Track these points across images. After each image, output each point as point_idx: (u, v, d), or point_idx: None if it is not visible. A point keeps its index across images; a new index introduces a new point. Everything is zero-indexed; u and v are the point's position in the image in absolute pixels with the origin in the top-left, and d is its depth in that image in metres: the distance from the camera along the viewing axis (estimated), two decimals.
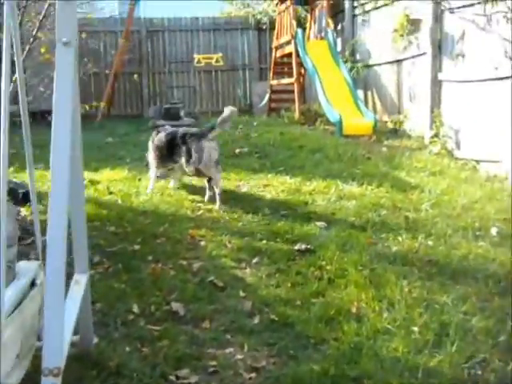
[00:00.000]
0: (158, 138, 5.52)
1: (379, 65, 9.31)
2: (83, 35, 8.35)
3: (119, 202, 5.22)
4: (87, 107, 5.59)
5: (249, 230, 4.56)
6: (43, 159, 6.79)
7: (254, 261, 3.99)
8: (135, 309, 3.28)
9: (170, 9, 12.49)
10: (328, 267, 3.83)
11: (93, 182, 5.70)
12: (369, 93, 9.78)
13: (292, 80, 10.21)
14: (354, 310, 3.32)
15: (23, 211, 4.87)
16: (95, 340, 2.93)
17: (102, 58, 11.93)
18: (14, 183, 5.34)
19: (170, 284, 3.58)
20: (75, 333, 2.57)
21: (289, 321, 3.20)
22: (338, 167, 6.42)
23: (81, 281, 2.49)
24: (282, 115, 10.23)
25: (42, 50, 5.10)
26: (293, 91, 10.62)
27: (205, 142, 5.17)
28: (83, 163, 6.30)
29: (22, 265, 2.37)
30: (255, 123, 9.22)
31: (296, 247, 4.17)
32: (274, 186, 5.71)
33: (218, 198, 5.09)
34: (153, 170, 5.57)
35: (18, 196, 5.08)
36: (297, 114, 9.73)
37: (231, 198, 5.35)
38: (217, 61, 10.79)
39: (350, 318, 3.19)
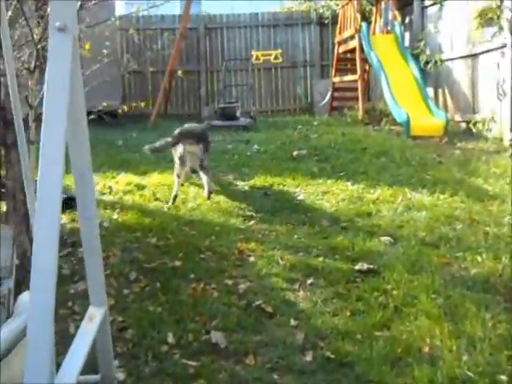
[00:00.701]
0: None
1: (451, 60, 8.57)
2: (131, 31, 8.11)
3: (165, 209, 4.84)
4: (136, 105, 5.18)
5: (304, 245, 4.08)
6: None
7: (309, 282, 3.51)
8: (170, 338, 2.87)
9: (229, 5, 12.16)
10: (394, 292, 3.31)
11: (139, 187, 5.36)
12: (439, 90, 9.04)
13: (356, 77, 9.60)
14: (426, 348, 2.80)
15: (63, 218, 4.56)
16: (121, 376, 2.55)
17: (160, 56, 11.69)
18: None
19: (211, 308, 3.15)
20: (95, 371, 2.20)
21: (347, 359, 2.72)
22: (406, 172, 5.81)
23: (95, 316, 2.08)
24: (344, 114, 9.65)
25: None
26: (356, 89, 10.02)
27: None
28: (132, 166, 6.01)
29: (25, 298, 1.99)
30: (315, 123, 8.70)
31: (357, 267, 3.65)
32: (333, 194, 5.19)
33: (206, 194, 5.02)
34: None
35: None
36: (360, 114, 9.13)
37: (286, 208, 4.87)
38: (276, 57, 10.31)
39: (422, 360, 2.67)
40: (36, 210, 1.46)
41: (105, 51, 5.74)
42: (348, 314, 3.12)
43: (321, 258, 3.82)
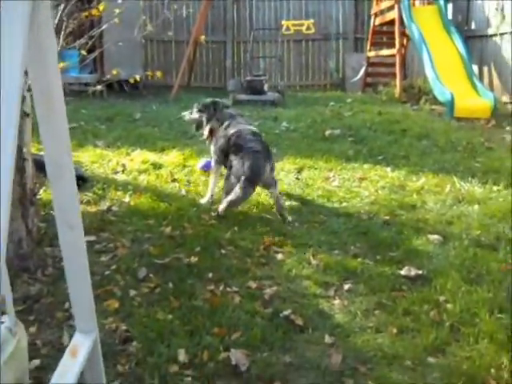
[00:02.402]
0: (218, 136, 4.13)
1: (501, 35, 7.83)
2: None
3: (183, 192, 4.33)
4: (151, 74, 4.57)
5: (339, 241, 3.55)
6: (105, 136, 6.07)
7: (346, 287, 3.00)
8: (182, 355, 2.40)
9: None
10: (449, 306, 2.79)
11: (155, 166, 4.86)
12: (485, 68, 8.32)
13: (393, 51, 8.90)
14: (491, 382, 2.28)
15: None
16: None
17: (185, 25, 11.10)
18: None
19: (232, 318, 2.66)
20: None
21: None
22: (452, 159, 5.21)
23: (81, 347, 1.60)
24: (379, 91, 8.98)
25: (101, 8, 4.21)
26: (392, 64, 9.32)
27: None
28: (149, 142, 5.49)
29: None
30: (349, 100, 8.06)
31: (403, 271, 3.12)
32: (371, 181, 4.63)
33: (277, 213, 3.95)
34: (213, 167, 4.22)
35: None
36: (397, 91, 8.45)
37: (319, 196, 4.33)
38: (308, 28, 9.62)
39: None
40: None
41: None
42: (394, 331, 2.61)
43: (359, 259, 3.30)
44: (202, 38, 6.84)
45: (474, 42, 8.44)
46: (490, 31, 8.09)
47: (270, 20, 11.18)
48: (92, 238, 3.44)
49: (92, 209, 3.91)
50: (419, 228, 3.71)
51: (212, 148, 4.21)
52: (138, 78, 3.24)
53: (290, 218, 3.83)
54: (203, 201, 4.12)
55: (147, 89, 9.85)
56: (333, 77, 11.25)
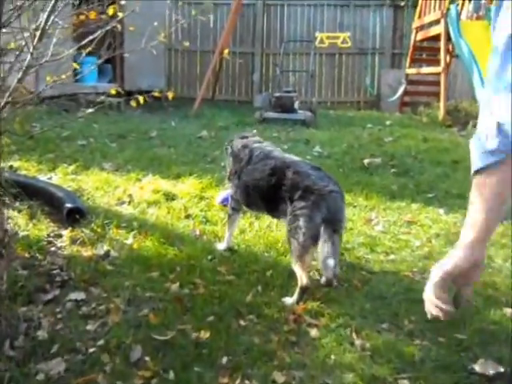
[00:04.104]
0: (250, 172, 3.21)
1: None
2: (180, 3, 6.88)
3: (197, 233, 3.64)
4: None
5: (389, 311, 2.81)
6: (114, 156, 5.41)
7: None
8: None
9: None
10: None
11: (168, 197, 4.17)
12: None
13: (437, 69, 8.13)
14: None
15: (65, 235, 3.43)
16: None
17: (212, 35, 10.48)
18: (63, 192, 3.93)
19: None
20: None
21: None
22: None
23: None
24: (419, 112, 8.22)
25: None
26: (433, 83, 8.61)
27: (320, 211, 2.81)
28: (163, 165, 4.80)
29: None
30: (388, 122, 7.30)
31: (477, 367, 2.38)
32: (422, 225, 3.89)
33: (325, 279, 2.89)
34: (232, 216, 3.41)
35: (63, 212, 3.66)
36: (441, 113, 7.68)
37: (360, 244, 3.59)
38: (344, 41, 8.92)
39: None
40: None
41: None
42: None
43: (417, 341, 2.56)
44: (226, 52, 6.16)
45: None
46: None
47: (302, 31, 10.51)
48: (80, 295, 2.76)
49: (86, 252, 3.23)
50: (489, 296, 2.96)
51: (233, 188, 3.37)
52: (157, 94, 2.61)
53: (336, 283, 2.98)
54: (221, 247, 3.41)
55: (168, 100, 9.22)
56: (367, 94, 10.50)
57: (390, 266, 3.29)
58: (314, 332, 2.60)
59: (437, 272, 1.38)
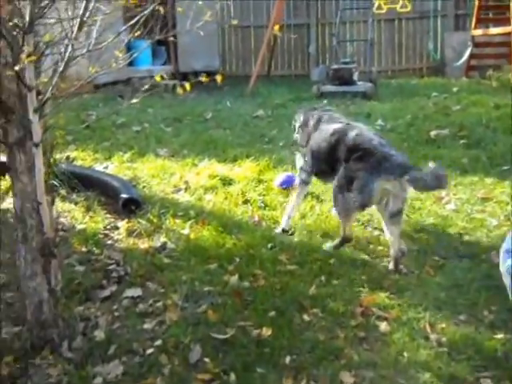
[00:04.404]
0: (316, 136, 3.16)
1: None
2: None
3: (255, 219, 3.49)
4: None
5: (466, 300, 2.59)
6: (169, 141, 5.31)
7: None
8: None
9: None
10: None
11: (225, 182, 4.03)
12: None
13: (507, 29, 7.55)
14: None
15: (121, 227, 3.36)
16: None
17: (265, 9, 10.19)
18: (119, 182, 3.86)
19: None
20: None
21: None
22: None
23: None
24: (488, 76, 7.69)
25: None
26: (502, 44, 8.01)
27: (380, 178, 2.74)
28: (219, 148, 4.64)
29: None
30: (454, 89, 6.85)
31: None
32: (498, 202, 3.59)
33: (392, 259, 2.88)
34: (298, 188, 3.37)
35: (119, 202, 3.60)
36: None
37: (430, 224, 3.35)
38: (403, 5, 8.45)
39: None
40: None
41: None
42: None
43: (499, 334, 2.33)
44: (277, 28, 5.84)
45: None
46: None
47: None
48: (137, 291, 2.68)
49: (143, 244, 3.15)
50: None
51: (302, 159, 3.32)
52: (204, 78, 2.48)
53: (405, 270, 2.86)
54: (279, 229, 3.28)
55: (224, 80, 9.06)
56: (431, 60, 9.95)
57: (464, 250, 3.03)
58: (383, 326, 2.41)
59: None
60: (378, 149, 2.78)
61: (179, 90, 2.50)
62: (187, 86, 2.38)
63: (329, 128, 3.08)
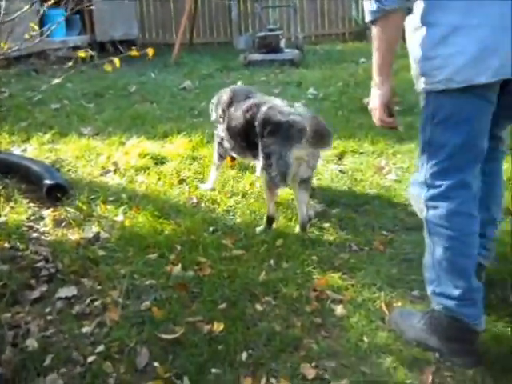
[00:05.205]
0: (231, 114, 3.10)
1: None
2: None
3: (193, 200, 3.29)
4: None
5: (418, 274, 2.50)
6: (93, 119, 4.94)
7: (449, 364, 1.99)
8: None
9: None
10: None
11: (157, 160, 3.79)
12: None
13: None
14: None
15: (47, 217, 3.06)
16: None
17: None
18: (41, 166, 3.53)
19: None
20: None
21: None
22: None
23: None
24: None
25: None
26: None
27: (292, 148, 2.68)
28: (147, 124, 4.29)
29: None
30: None
31: None
32: None
33: (299, 222, 2.90)
34: (215, 158, 3.37)
35: (42, 189, 3.29)
36: None
37: (374, 196, 3.27)
38: None
39: None
40: None
41: None
42: None
43: None
44: None
45: None
46: None
47: None
48: (71, 290, 2.43)
49: (73, 236, 2.88)
50: None
51: (218, 136, 3.30)
52: (134, 52, 2.25)
53: (355, 247, 2.78)
54: (206, 186, 3.40)
55: (145, 48, 8.64)
56: (353, 24, 9.93)
57: (411, 221, 2.96)
58: (339, 310, 2.30)
59: (375, 105, 1.99)
60: (286, 119, 2.70)
61: (107, 67, 2.23)
62: (116, 61, 2.13)
63: (242, 105, 3.02)
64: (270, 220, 2.91)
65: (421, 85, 1.92)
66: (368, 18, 1.89)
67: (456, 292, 1.95)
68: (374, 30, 1.89)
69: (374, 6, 1.82)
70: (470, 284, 1.95)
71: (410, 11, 1.86)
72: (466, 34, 1.77)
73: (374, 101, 2.00)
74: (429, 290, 2.06)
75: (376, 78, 1.97)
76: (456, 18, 1.78)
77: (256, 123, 2.83)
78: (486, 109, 1.88)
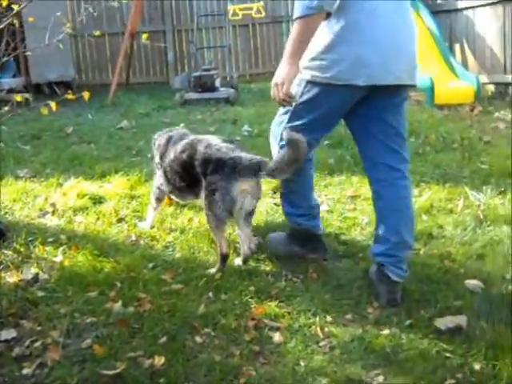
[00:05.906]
0: (171, 155, 3.12)
1: (473, 8, 7.07)
2: None
3: (132, 238, 3.34)
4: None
5: (350, 299, 2.67)
6: (29, 161, 4.91)
7: (380, 380, 2.12)
8: None
9: None
10: None
11: (95, 200, 3.82)
12: (456, 46, 7.56)
13: None
14: None
15: None
16: None
17: (119, 16, 9.91)
18: None
19: None
20: None
21: None
22: (451, 160, 4.40)
23: None
24: None
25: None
26: None
27: (238, 182, 2.77)
28: (85, 165, 4.38)
29: None
30: None
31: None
32: (366, 199, 3.75)
33: (242, 256, 3.00)
34: (154, 201, 3.38)
35: None
36: None
37: None
38: (258, 11, 8.65)
39: None
40: None
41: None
42: None
43: (385, 330, 2.42)
44: (145, 36, 5.62)
45: (442, 17, 7.67)
46: (461, 4, 7.32)
47: (213, 5, 10.07)
48: (11, 333, 2.43)
49: (11, 278, 2.87)
50: (448, 269, 2.87)
51: (159, 180, 3.32)
52: (70, 96, 2.32)
53: (290, 276, 2.89)
54: (144, 225, 3.45)
55: (81, 89, 8.65)
56: None
57: (343, 250, 3.14)
58: (277, 337, 2.40)
59: (283, 80, 2.28)
60: (228, 155, 2.80)
61: (43, 110, 2.30)
62: (53, 105, 2.20)
63: (178, 146, 3.09)
64: (224, 258, 2.90)
65: (306, 76, 2.41)
66: (301, 12, 2.18)
67: (300, 210, 2.81)
68: (300, 25, 2.23)
69: (313, 3, 2.15)
70: (309, 202, 2.83)
71: (329, 15, 2.26)
72: (348, 46, 2.29)
73: (283, 76, 2.28)
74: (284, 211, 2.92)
75: (287, 60, 2.29)
76: (344, 32, 2.28)
77: (196, 163, 2.89)
78: (348, 102, 2.45)
